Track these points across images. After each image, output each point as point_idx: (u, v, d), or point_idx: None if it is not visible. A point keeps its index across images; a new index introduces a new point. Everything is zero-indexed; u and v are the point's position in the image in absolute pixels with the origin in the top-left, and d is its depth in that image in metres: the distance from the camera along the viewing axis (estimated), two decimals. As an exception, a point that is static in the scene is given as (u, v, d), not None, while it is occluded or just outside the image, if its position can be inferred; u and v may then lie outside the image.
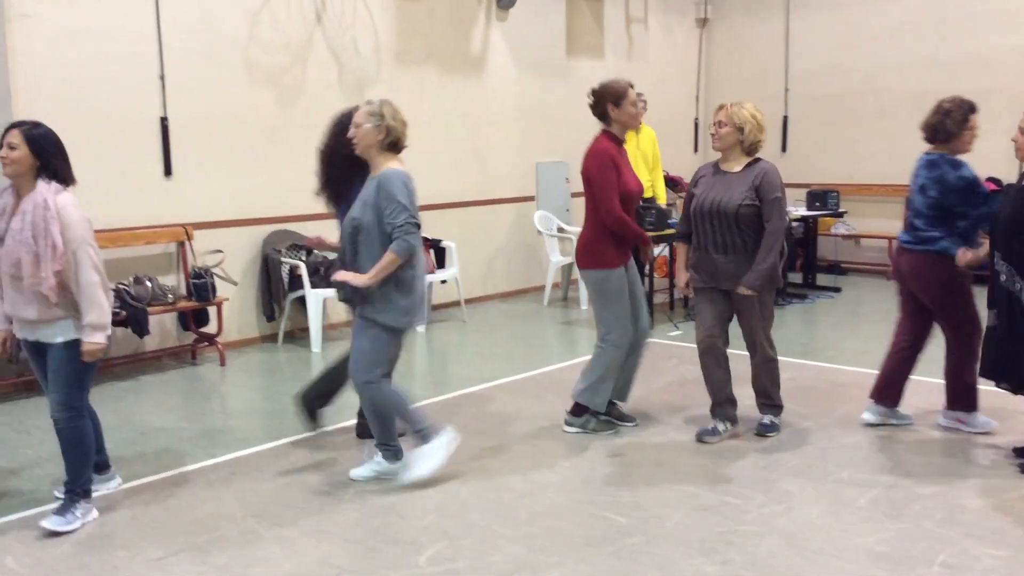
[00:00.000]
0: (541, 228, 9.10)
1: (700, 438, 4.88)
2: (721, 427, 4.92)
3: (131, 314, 6.29)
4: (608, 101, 4.85)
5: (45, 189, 3.81)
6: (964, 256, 4.57)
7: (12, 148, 3.82)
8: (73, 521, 3.89)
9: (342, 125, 4.51)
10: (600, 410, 5.07)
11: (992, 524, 3.83)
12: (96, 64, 6.45)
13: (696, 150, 11.72)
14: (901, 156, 4.76)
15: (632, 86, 4.94)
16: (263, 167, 7.38)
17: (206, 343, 6.96)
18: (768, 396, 5.00)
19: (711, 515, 3.97)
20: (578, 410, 5.08)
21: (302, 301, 7.24)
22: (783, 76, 11.09)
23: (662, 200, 8.53)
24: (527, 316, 8.53)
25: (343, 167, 4.55)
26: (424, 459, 4.34)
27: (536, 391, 5.95)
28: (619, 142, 4.90)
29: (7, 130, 3.88)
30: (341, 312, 7.88)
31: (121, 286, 6.34)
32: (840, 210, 9.52)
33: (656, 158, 8.62)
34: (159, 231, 6.78)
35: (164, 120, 6.81)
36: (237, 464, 4.71)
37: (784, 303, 8.74)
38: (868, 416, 5.07)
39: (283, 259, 7.24)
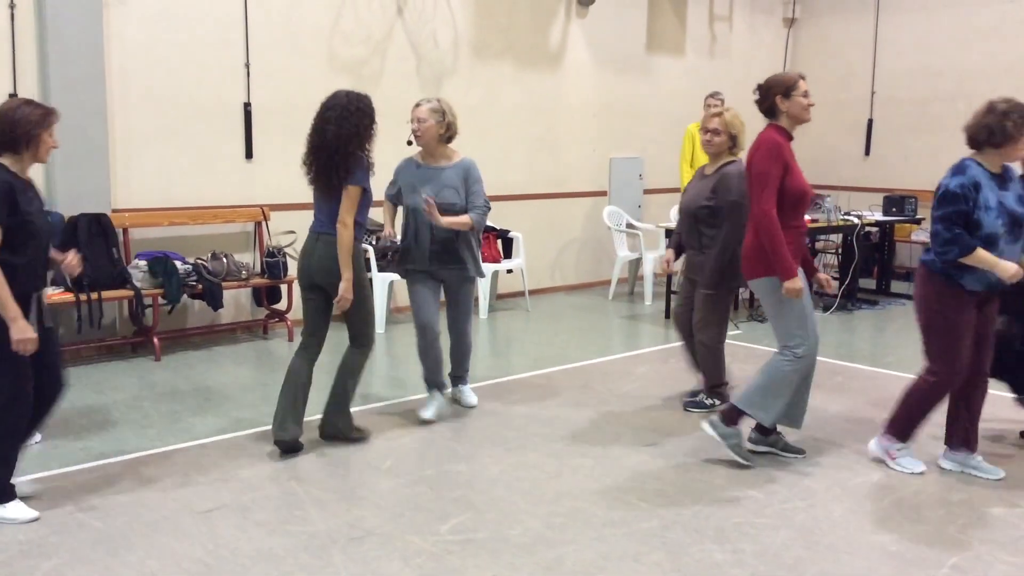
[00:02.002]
0: (610, 223, 9.20)
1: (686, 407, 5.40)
2: (708, 401, 5.40)
3: (207, 288, 6.66)
4: (777, 93, 4.45)
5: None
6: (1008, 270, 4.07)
7: None
8: None
9: (331, 110, 4.57)
10: (765, 424, 4.54)
11: (1013, 532, 3.81)
12: (185, 50, 6.84)
13: (777, 151, 11.60)
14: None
15: (803, 77, 4.52)
16: (339, 153, 7.68)
17: (277, 319, 7.32)
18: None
19: (731, 506, 4.05)
20: (733, 418, 4.54)
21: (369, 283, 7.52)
22: (870, 78, 10.90)
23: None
24: (590, 309, 8.66)
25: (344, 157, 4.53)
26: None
27: (587, 380, 6.08)
28: (789, 136, 4.46)
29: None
30: (407, 296, 8.15)
31: (199, 261, 6.72)
32: (918, 216, 9.34)
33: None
34: (238, 211, 7.15)
35: (247, 106, 7.18)
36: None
37: (854, 308, 8.65)
38: (944, 463, 4.54)
39: (353, 242, 7.53)
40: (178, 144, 6.89)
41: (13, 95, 6.13)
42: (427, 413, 5.16)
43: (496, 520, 3.88)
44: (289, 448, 4.54)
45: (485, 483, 4.29)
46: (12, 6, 6.13)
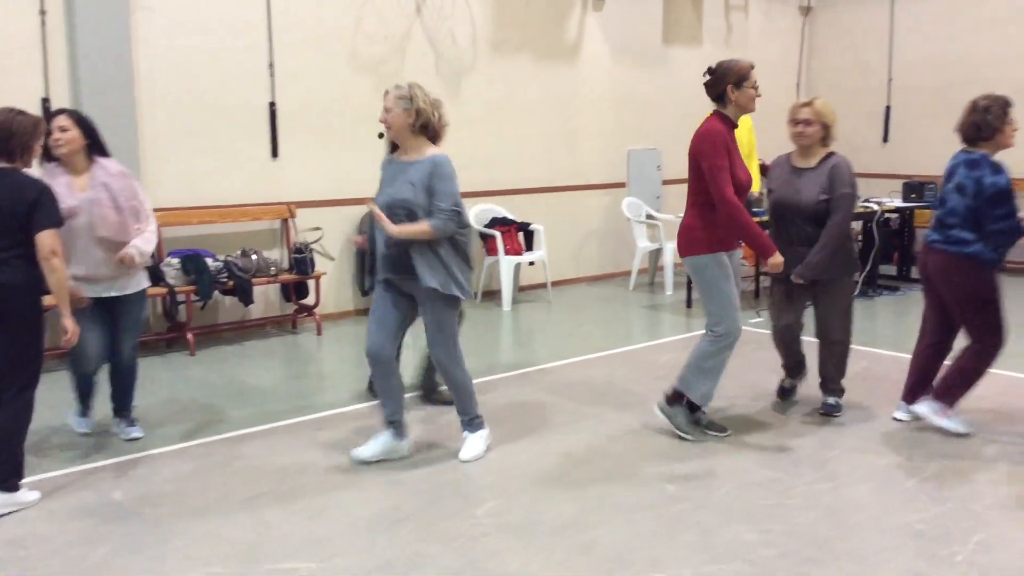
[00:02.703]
0: (629, 214, 9.28)
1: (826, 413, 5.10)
2: (831, 400, 5.13)
3: (237, 284, 6.80)
4: (729, 81, 4.59)
5: (110, 162, 4.49)
6: None
7: (64, 130, 4.35)
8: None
9: None
10: (701, 404, 4.78)
11: (1038, 510, 3.90)
12: (211, 53, 6.97)
13: (794, 140, 11.67)
14: (1003, 151, 4.69)
15: (753, 67, 4.69)
16: (360, 151, 7.79)
17: (305, 313, 7.46)
18: (832, 380, 5.15)
19: (759, 489, 4.14)
20: (675, 398, 4.83)
21: (395, 278, 7.64)
22: (886, 66, 10.92)
23: (756, 188, 8.60)
24: (612, 299, 8.75)
25: None
26: (480, 439, 4.62)
27: (610, 368, 6.18)
28: (732, 125, 4.64)
29: (53, 115, 4.45)
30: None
31: (229, 258, 6.86)
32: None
33: (752, 146, 8.69)
34: (265, 208, 7.28)
35: (272, 106, 7.31)
36: (323, 422, 5.12)
37: (874, 294, 8.71)
38: (900, 415, 5.02)
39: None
40: (205, 144, 7.02)
41: (46, 99, 6.28)
42: (363, 452, 4.47)
43: (529, 505, 3.99)
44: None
45: (516, 469, 4.40)
46: (43, 12, 6.28)
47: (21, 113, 3.99)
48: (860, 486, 4.17)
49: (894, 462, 4.44)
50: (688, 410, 4.81)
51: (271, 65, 7.27)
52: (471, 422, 4.61)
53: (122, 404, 4.86)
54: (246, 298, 6.89)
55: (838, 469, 4.37)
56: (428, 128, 4.33)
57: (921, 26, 10.63)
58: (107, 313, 4.57)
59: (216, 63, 7.03)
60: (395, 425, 4.50)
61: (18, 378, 3.91)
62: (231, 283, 6.79)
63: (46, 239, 3.85)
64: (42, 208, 3.86)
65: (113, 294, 4.53)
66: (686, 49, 10.31)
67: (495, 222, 8.48)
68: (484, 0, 8.52)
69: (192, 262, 6.61)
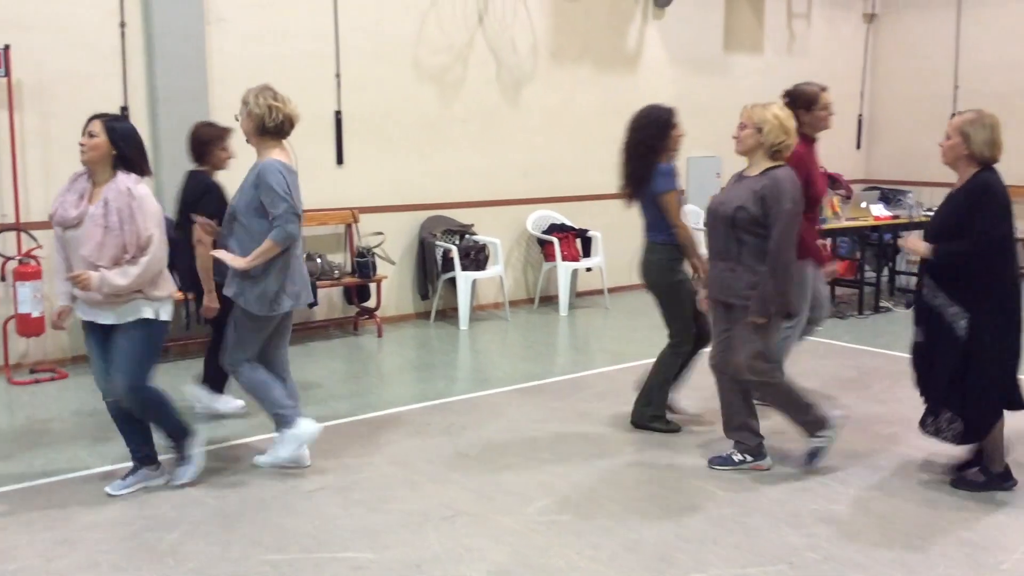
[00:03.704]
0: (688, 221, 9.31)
1: (710, 464, 4.55)
2: (737, 457, 4.53)
3: (302, 287, 7.03)
4: (799, 106, 4.90)
5: (125, 179, 4.00)
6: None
7: (92, 136, 4.01)
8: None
9: (644, 120, 4.93)
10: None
11: (1090, 522, 3.88)
12: (280, 63, 7.23)
13: (859, 147, 11.60)
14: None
15: (825, 89, 5.08)
16: (423, 157, 8.01)
17: (366, 316, 7.67)
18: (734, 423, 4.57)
19: (808, 494, 4.19)
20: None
21: (453, 282, 7.82)
22: (952, 73, 10.78)
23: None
24: (669, 306, 8.79)
25: (643, 161, 4.88)
26: (283, 444, 4.46)
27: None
28: (810, 140, 5.00)
29: (90, 120, 4.08)
30: (490, 294, 8.45)
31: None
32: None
33: (809, 156, 8.73)
34: (330, 214, 7.51)
35: (338, 114, 7.54)
36: (383, 420, 5.30)
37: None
38: None
39: (437, 242, 7.85)
40: (274, 151, 7.27)
41: (124, 108, 6.59)
42: (262, 459, 4.53)
43: (578, 503, 4.10)
44: (638, 425, 5.08)
45: (568, 470, 4.51)
46: (123, 24, 6.59)
47: (209, 124, 4.56)
48: (912, 495, 4.19)
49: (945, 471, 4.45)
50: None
51: (338, 74, 7.50)
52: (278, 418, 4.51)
53: (137, 451, 4.29)
54: (310, 300, 7.10)
55: (891, 478, 4.39)
56: (277, 132, 4.37)
57: (989, 31, 10.47)
58: (104, 340, 4.14)
59: (285, 72, 7.25)
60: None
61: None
62: (296, 285, 7.01)
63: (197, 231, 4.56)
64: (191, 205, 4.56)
65: (106, 321, 4.06)
66: (748, 56, 10.32)
67: (553, 228, 8.60)
68: (545, 9, 8.66)
69: (260, 264, 6.85)
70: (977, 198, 4.05)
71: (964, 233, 4.04)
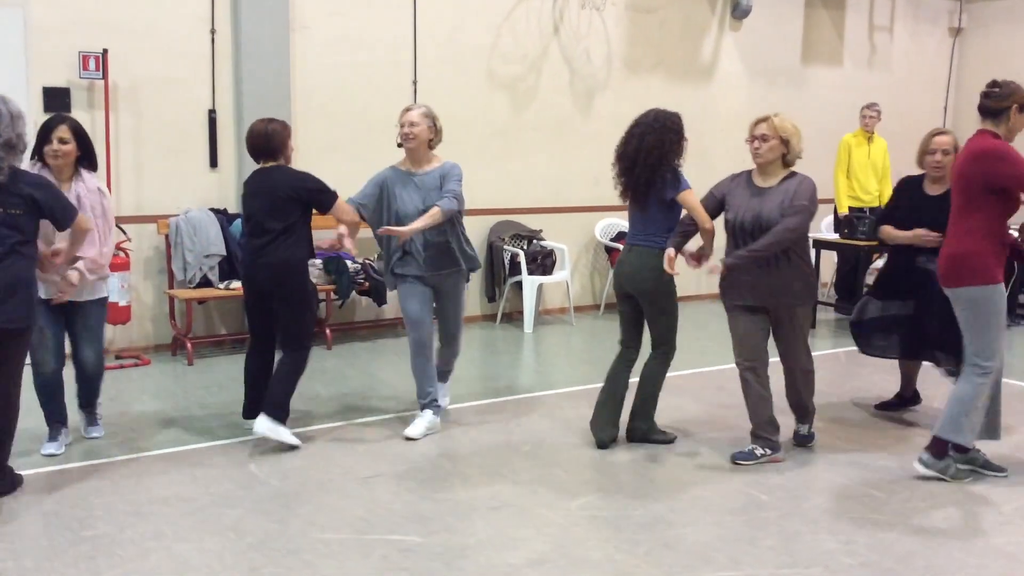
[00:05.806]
0: (758, 233, 9.30)
1: (734, 459, 4.72)
2: (759, 451, 4.75)
3: (373, 286, 7.29)
4: (1016, 101, 4.42)
5: (91, 178, 4.59)
6: None
7: (64, 143, 4.43)
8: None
9: (657, 125, 4.91)
10: (969, 446, 4.51)
11: None
12: (360, 70, 7.53)
13: (940, 162, 11.37)
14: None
15: None
16: (494, 164, 8.20)
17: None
18: (803, 407, 4.94)
19: (851, 502, 4.23)
20: (940, 449, 4.51)
21: (520, 286, 7.99)
22: (1041, 88, 10.50)
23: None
24: (735, 317, 8.79)
25: (654, 166, 4.86)
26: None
27: (722, 383, 6.30)
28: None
29: (54, 126, 4.45)
30: (556, 299, 8.59)
31: (367, 262, 7.37)
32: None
33: (886, 169, 8.71)
34: (402, 216, 7.76)
35: (413, 119, 7.79)
36: (443, 414, 5.49)
37: (1012, 323, 8.42)
38: None
39: (505, 247, 8.03)
40: (350, 154, 7.55)
41: (212, 111, 6.96)
42: (414, 431, 5.03)
43: (621, 501, 4.22)
44: (603, 446, 4.90)
45: (614, 469, 4.63)
46: (213, 31, 6.97)
47: (272, 121, 4.91)
48: (955, 507, 4.18)
49: (996, 488, 4.42)
50: (957, 452, 4.52)
51: (415, 81, 7.76)
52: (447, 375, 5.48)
53: (87, 399, 4.96)
54: (380, 298, 7.38)
55: (936, 490, 4.39)
56: (433, 143, 5.17)
57: (1081, 47, 10.19)
58: (63, 317, 4.65)
59: (365, 79, 7.57)
60: (433, 402, 5.17)
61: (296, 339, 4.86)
62: (367, 284, 7.29)
63: (343, 205, 4.96)
64: (324, 191, 4.93)
65: (78, 298, 4.58)
66: (826, 69, 10.25)
67: (621, 236, 8.70)
68: (620, 20, 8.79)
69: (333, 263, 7.14)
70: None
71: None
